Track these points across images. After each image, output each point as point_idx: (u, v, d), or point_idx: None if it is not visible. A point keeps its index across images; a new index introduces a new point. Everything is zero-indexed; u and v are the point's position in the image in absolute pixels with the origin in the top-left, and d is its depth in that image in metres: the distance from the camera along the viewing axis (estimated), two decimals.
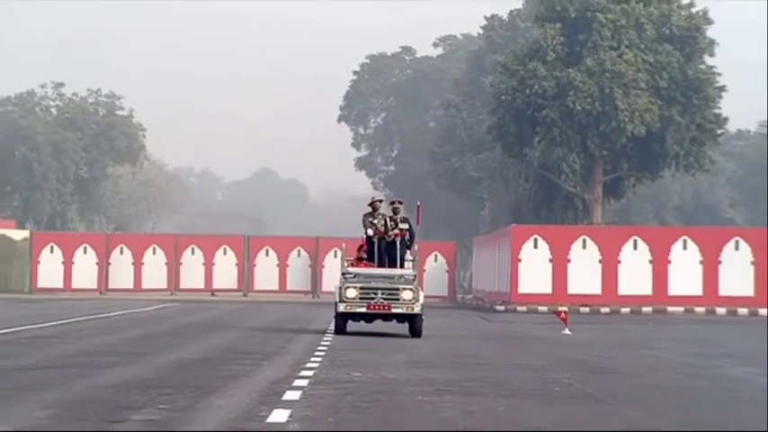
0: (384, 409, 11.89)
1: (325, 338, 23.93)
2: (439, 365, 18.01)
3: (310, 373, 15.74)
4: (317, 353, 19.78)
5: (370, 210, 26.06)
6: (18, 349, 19.93)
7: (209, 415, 11.01)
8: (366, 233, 25.75)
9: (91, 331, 26.71)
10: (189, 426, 10.32)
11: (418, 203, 27.64)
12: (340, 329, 25.07)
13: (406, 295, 24.64)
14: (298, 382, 14.25)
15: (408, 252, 25.78)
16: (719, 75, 54.57)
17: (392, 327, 25.69)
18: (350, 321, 25.36)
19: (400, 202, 26.84)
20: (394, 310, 24.79)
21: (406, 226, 25.76)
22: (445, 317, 37.39)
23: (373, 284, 24.81)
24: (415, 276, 25.32)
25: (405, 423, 10.94)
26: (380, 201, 26.87)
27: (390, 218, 25.80)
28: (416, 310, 24.72)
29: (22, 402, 11.85)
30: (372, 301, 24.70)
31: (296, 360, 18.13)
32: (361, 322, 25.56)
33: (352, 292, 24.76)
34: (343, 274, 25.45)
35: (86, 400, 12.21)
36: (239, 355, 18.99)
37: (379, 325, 25.74)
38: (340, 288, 25.00)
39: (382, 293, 24.67)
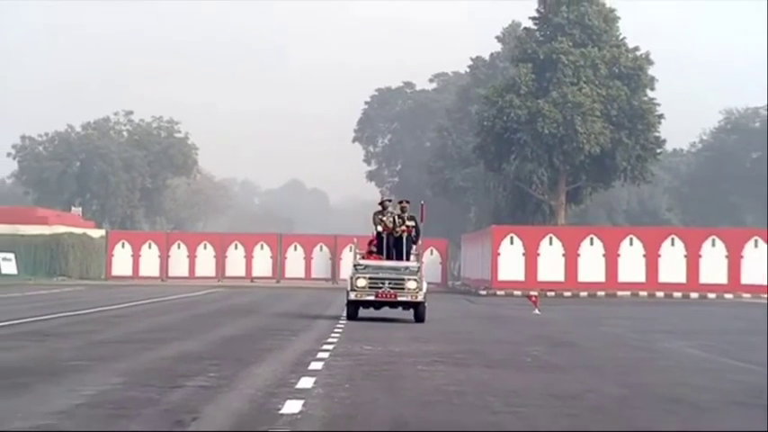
0: (390, 377, 11.89)
1: (342, 319, 23.56)
2: (434, 340, 17.91)
3: (331, 346, 15.71)
4: (335, 330, 19.70)
5: (380, 209, 24.66)
6: (97, 326, 19.94)
7: (249, 381, 11.00)
8: (376, 229, 24.32)
9: (154, 312, 26.71)
10: (234, 391, 10.32)
11: (422, 203, 25.30)
12: (351, 315, 23.28)
13: (411, 285, 22.69)
14: (320, 355, 14.24)
15: (414, 246, 24.31)
16: (659, 105, 54.65)
17: (398, 313, 24.47)
18: (360, 308, 23.65)
19: (408, 202, 25.14)
20: (400, 299, 22.81)
21: (412, 223, 24.32)
22: (439, 300, 37.14)
23: (381, 275, 23.06)
24: (419, 268, 23.45)
25: (407, 388, 10.95)
26: (389, 200, 25.62)
27: (399, 215, 24.31)
28: (420, 298, 22.82)
29: (100, 371, 11.88)
30: (380, 290, 22.70)
31: (319, 336, 18.05)
32: (371, 309, 23.89)
33: (362, 282, 23.02)
34: (354, 266, 23.78)
35: (151, 369, 12.22)
36: (273, 332, 18.92)
37: (386, 311, 24.95)
38: (351, 278, 23.24)
39: (389, 283, 22.87)
